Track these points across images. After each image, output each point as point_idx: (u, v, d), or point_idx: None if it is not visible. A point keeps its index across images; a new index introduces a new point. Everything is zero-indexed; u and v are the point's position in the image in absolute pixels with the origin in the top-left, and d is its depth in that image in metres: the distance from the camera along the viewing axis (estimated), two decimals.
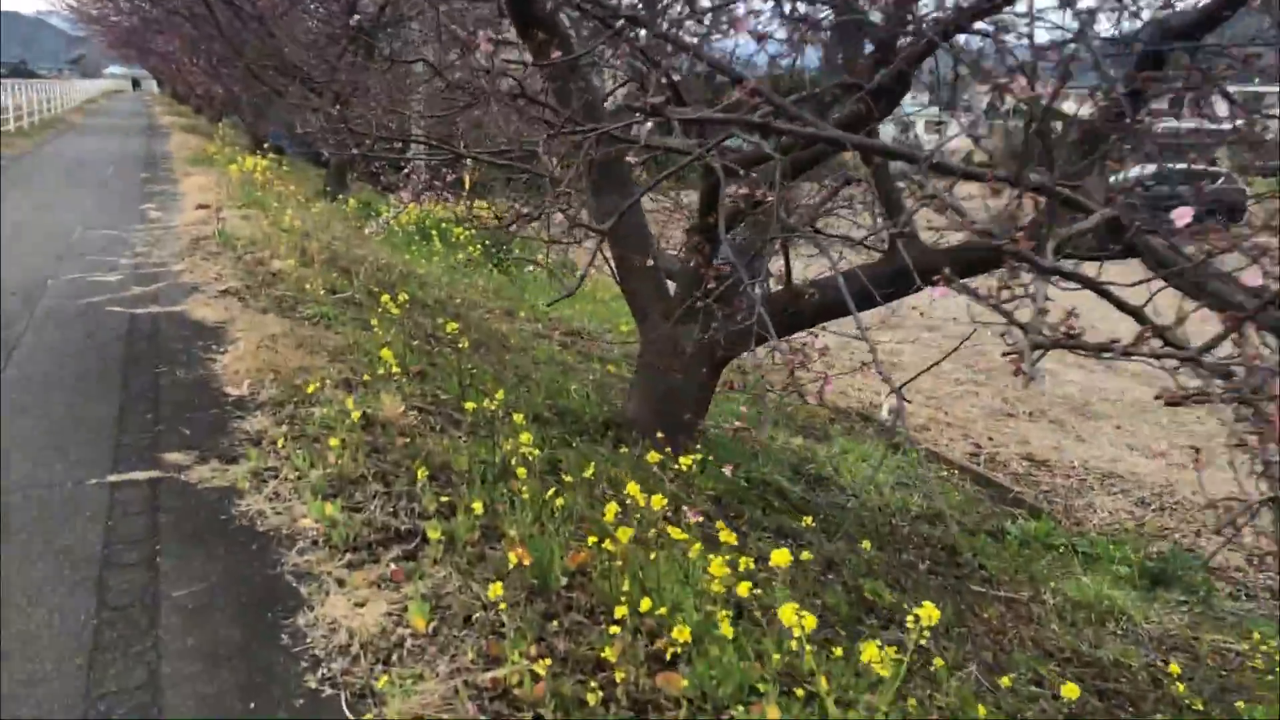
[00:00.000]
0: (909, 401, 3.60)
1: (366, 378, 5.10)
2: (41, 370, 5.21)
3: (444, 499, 3.64)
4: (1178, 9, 3.21)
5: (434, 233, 14.85)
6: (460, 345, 5.88)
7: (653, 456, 5.13)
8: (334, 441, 3.80)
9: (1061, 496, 8.44)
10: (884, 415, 10.45)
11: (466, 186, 11.65)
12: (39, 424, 4.41)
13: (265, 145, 27.00)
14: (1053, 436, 10.73)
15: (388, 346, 5.61)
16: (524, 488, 3.69)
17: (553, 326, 11.71)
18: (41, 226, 10.06)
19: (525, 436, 3.99)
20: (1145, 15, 3.15)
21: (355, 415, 4.09)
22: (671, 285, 6.11)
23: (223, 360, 5.39)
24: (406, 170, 9.67)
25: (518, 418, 4.31)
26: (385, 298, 5.95)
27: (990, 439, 10.46)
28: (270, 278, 7.50)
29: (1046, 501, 8.22)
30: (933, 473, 8.47)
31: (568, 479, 4.05)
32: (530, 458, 3.92)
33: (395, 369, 4.98)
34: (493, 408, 4.96)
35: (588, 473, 4.48)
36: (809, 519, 5.26)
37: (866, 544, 5.02)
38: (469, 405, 5.03)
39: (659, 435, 5.86)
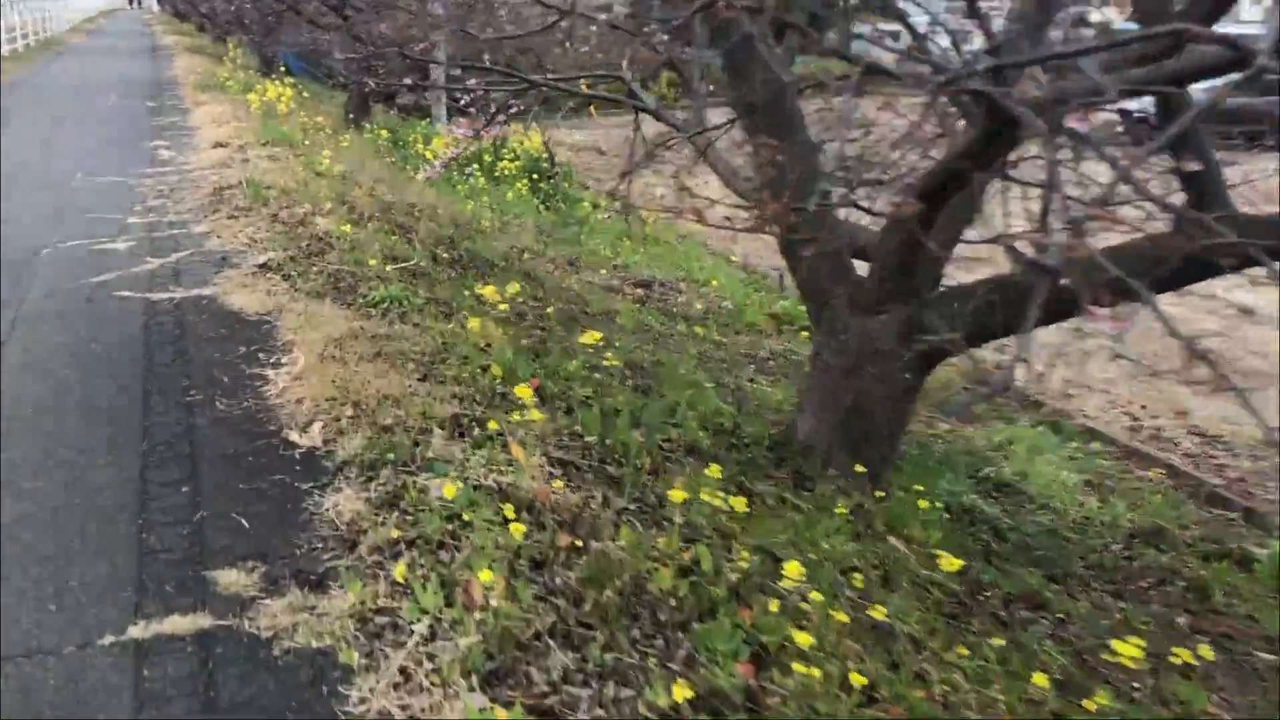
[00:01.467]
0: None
1: (480, 411, 3.66)
2: (30, 401, 3.79)
3: (662, 664, 2.25)
4: None
5: (476, 167, 13.25)
6: (608, 361, 4.44)
7: (840, 509, 3.82)
8: (484, 574, 2.38)
9: (1272, 488, 7.00)
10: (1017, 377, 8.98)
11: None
12: (24, 512, 2.99)
13: (281, 68, 25.20)
14: (1212, 402, 9.27)
15: (493, 357, 4.18)
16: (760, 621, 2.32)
17: (620, 276, 10.22)
18: (35, 172, 8.54)
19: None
20: None
21: (507, 511, 2.67)
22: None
23: (277, 381, 3.95)
24: (465, 101, 8.06)
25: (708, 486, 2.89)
26: (488, 290, 4.46)
27: (1143, 407, 9.01)
28: (316, 243, 6.01)
29: (1264, 498, 6.79)
30: (1113, 467, 7.05)
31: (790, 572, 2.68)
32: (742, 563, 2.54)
33: (522, 395, 3.53)
34: (640, 443, 3.56)
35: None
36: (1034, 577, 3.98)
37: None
38: (618, 442, 3.62)
39: (847, 462, 4.48)
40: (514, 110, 7.84)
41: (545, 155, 13.88)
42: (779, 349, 8.46)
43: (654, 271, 10.74)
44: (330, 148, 10.33)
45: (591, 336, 4.44)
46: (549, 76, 7.10)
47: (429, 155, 12.59)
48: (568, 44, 7.81)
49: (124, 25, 43.89)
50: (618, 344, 5.61)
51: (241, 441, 3.44)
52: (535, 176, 13.46)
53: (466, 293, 5.41)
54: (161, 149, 9.78)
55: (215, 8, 28.06)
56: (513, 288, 4.45)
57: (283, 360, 4.17)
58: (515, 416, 3.55)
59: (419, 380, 3.97)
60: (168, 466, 3.26)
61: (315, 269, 5.47)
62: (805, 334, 8.52)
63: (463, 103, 8.07)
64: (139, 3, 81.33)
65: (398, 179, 9.73)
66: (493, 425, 3.42)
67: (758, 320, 9.25)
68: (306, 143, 9.94)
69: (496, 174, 12.99)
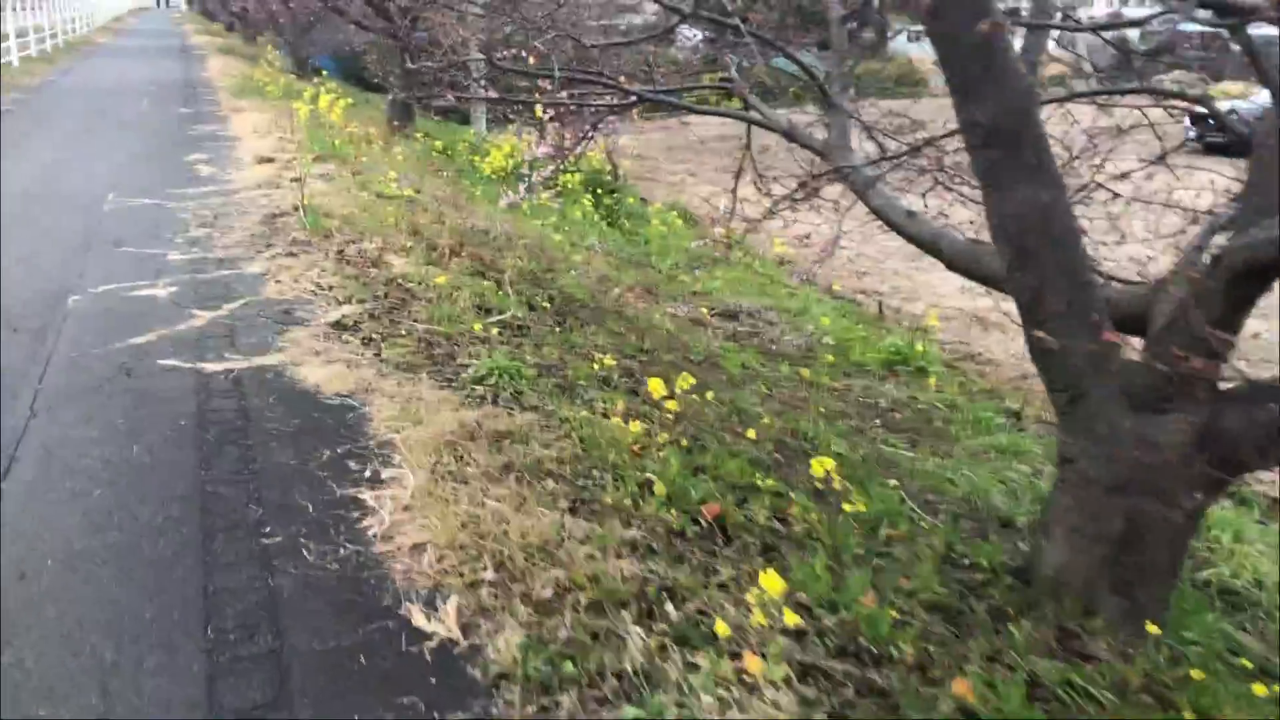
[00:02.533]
0: None
1: (668, 571, 2.62)
2: (46, 549, 2.77)
3: None
4: None
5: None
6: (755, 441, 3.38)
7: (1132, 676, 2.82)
8: None
9: None
10: None
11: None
12: None
13: (319, 71, 24.33)
14: None
15: (653, 471, 3.16)
16: None
17: (703, 305, 9.21)
18: (63, 191, 7.58)
19: None
20: None
21: None
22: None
23: (380, 510, 2.93)
24: (551, 115, 7.05)
25: None
26: (655, 385, 3.40)
27: None
28: (395, 291, 5.00)
29: None
30: None
31: None
32: None
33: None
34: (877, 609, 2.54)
35: None
36: None
37: None
38: (857, 616, 2.60)
39: (1116, 607, 3.43)
40: (608, 123, 6.86)
41: (608, 168, 12.85)
42: (900, 397, 7.37)
43: (737, 298, 9.72)
44: (385, 161, 9.34)
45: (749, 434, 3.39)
46: (656, 87, 6.10)
47: (486, 169, 11.59)
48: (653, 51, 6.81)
49: (153, 25, 43.31)
50: (763, 418, 4.56)
51: (346, 625, 2.41)
52: (599, 191, 12.43)
53: (588, 365, 4.37)
54: (200, 164, 8.81)
55: (247, 7, 27.28)
56: (684, 380, 3.40)
57: (383, 474, 3.14)
58: (725, 578, 2.51)
59: (569, 512, 2.93)
60: (244, 675, 2.24)
61: (400, 329, 4.45)
62: (932, 380, 7.49)
63: (549, 116, 7.06)
64: (167, 2, 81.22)
65: (462, 199, 8.73)
66: (673, 576, 2.38)
67: (866, 359, 8.17)
68: (358, 156, 8.96)
69: (558, 188, 11.97)
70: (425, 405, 3.62)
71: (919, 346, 8.16)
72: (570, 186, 12.33)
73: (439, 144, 14.15)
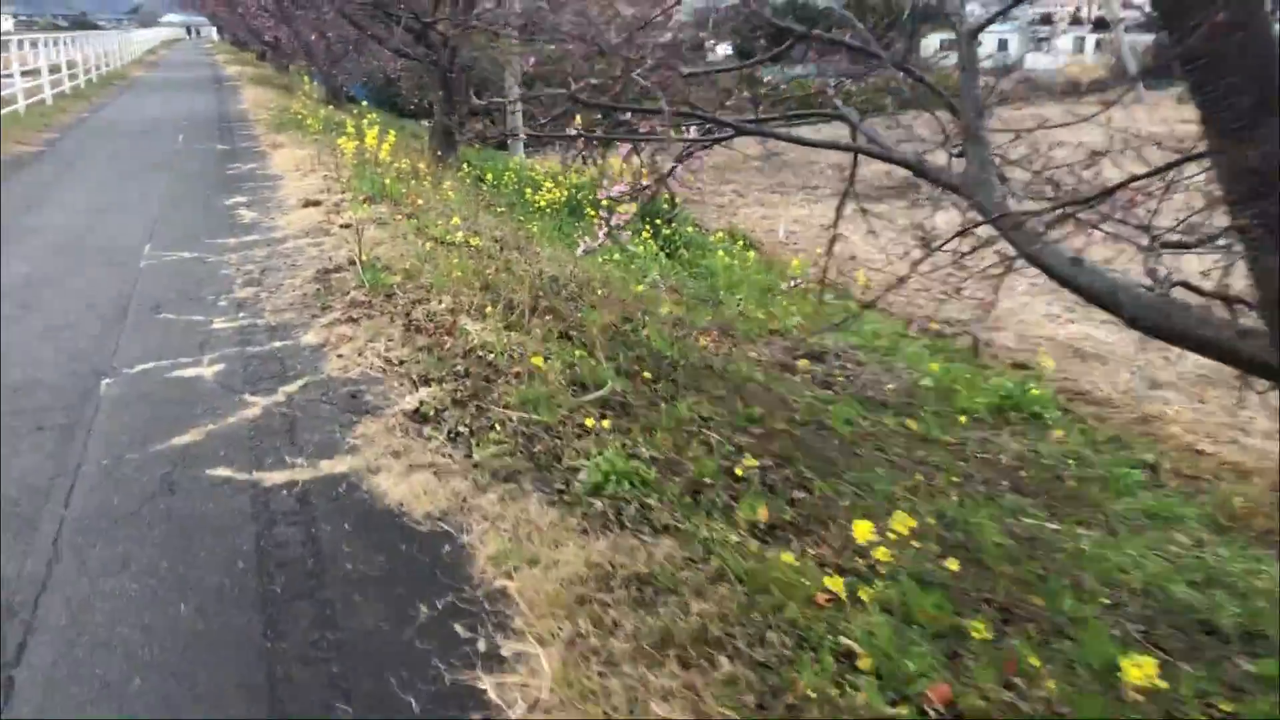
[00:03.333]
0: None
1: None
2: None
3: None
4: None
5: (584, 205, 11.53)
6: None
7: None
8: None
9: None
10: None
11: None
12: None
13: (353, 99, 23.88)
14: None
15: (857, 639, 2.41)
16: None
17: (785, 345, 8.49)
18: (95, 242, 6.97)
19: None
20: None
21: None
22: None
23: (504, 704, 2.19)
24: (627, 151, 6.34)
25: None
26: (861, 531, 2.62)
27: None
28: (476, 364, 4.28)
29: None
30: None
31: None
32: None
33: None
34: None
35: None
36: None
37: None
38: None
39: None
40: (693, 157, 6.17)
41: (665, 195, 12.13)
42: (1020, 450, 6.54)
43: (818, 336, 8.95)
44: (436, 198, 8.69)
45: (901, 521, 2.60)
46: (758, 117, 5.42)
47: (541, 202, 10.91)
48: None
49: (186, 56, 43.38)
50: (929, 515, 3.78)
51: None
52: (656, 220, 11.72)
53: (709, 456, 3.63)
54: (241, 208, 8.19)
55: (279, 36, 26.94)
56: (900, 521, 2.60)
57: (502, 647, 2.41)
58: None
59: (758, 708, 2.18)
60: None
61: (490, 417, 3.72)
62: (1058, 430, 6.70)
63: (627, 151, 6.34)
64: (198, 32, 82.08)
65: (522, 238, 8.04)
66: None
67: (974, 404, 7.34)
68: (409, 195, 8.29)
69: (636, 230, 11.27)
70: (539, 533, 2.89)
71: (1031, 389, 7.36)
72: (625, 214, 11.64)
73: (484, 174, 13.53)
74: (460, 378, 4.11)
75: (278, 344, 4.73)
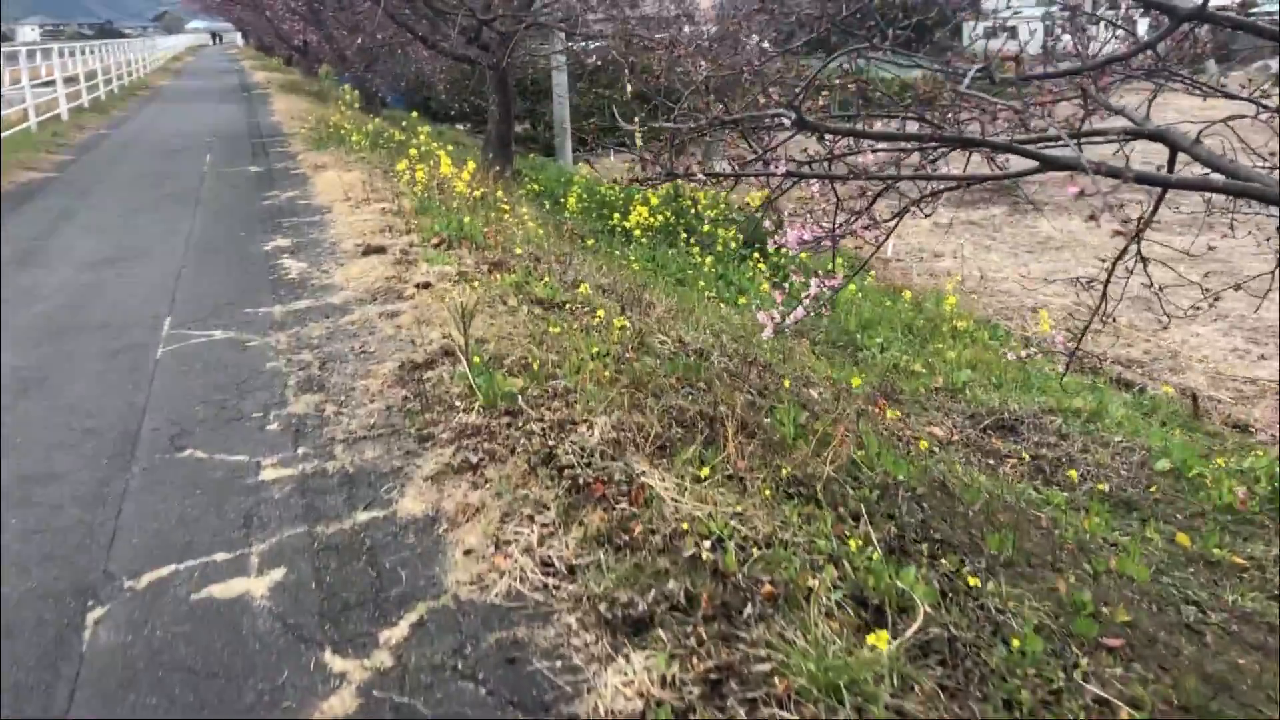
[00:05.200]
0: None
1: None
2: None
3: None
4: None
5: (681, 228, 9.77)
6: None
7: None
8: None
9: None
10: None
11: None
12: None
13: (385, 103, 22.38)
14: None
15: None
16: None
17: (960, 409, 6.78)
18: (98, 319, 5.32)
19: None
20: None
21: None
22: None
23: None
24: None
25: None
26: None
27: None
28: (695, 577, 2.57)
29: None
30: None
31: None
32: None
33: None
34: None
35: None
36: None
37: None
38: None
39: None
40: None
41: (773, 219, 10.38)
42: None
43: (989, 392, 7.22)
44: (520, 233, 7.00)
45: None
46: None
47: (634, 228, 9.16)
48: None
49: (210, 63, 42.10)
50: None
51: None
52: (762, 248, 9.94)
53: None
54: (284, 255, 6.53)
55: (308, 40, 25.40)
56: None
57: None
58: None
59: None
60: None
61: (758, 700, 2.01)
62: None
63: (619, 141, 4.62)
64: (221, 38, 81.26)
65: (639, 291, 6.32)
66: None
67: (1229, 495, 5.52)
68: (489, 233, 6.61)
69: (719, 249, 9.50)
70: None
71: None
72: (725, 242, 9.87)
73: (545, 187, 11.84)
74: (682, 615, 2.40)
75: (362, 516, 3.03)
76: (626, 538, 2.76)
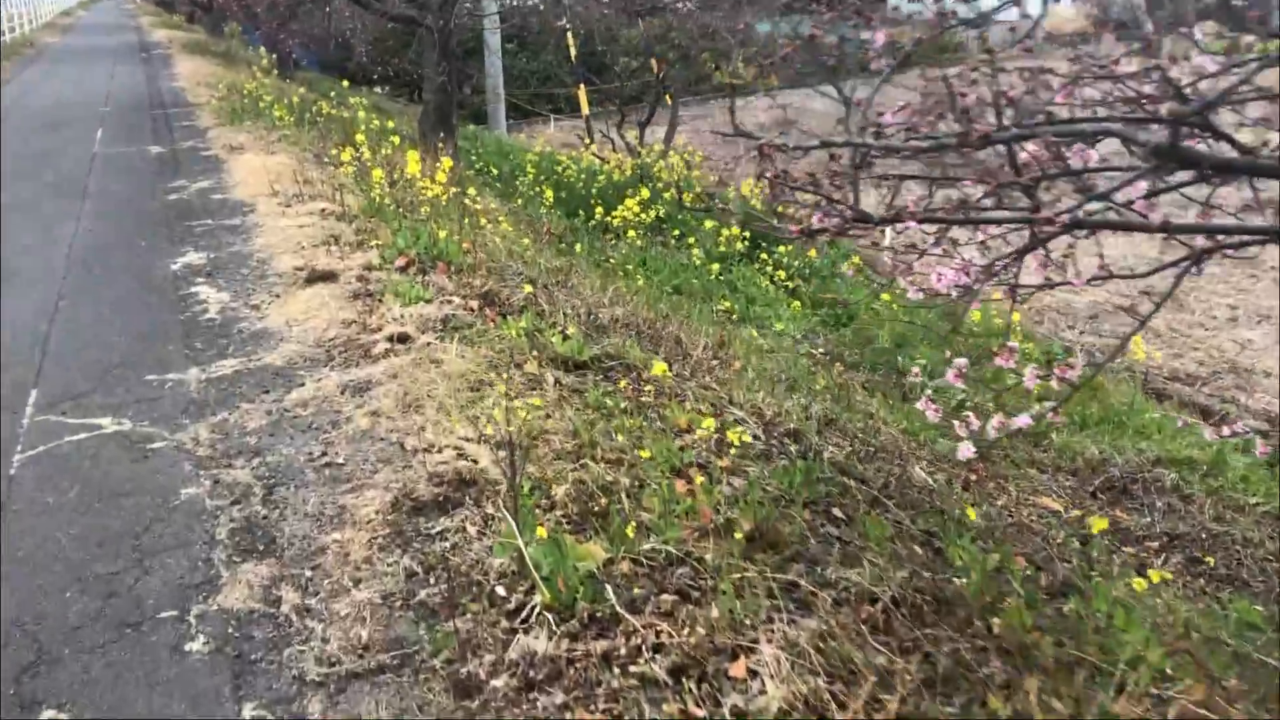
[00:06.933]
0: None
1: None
2: None
3: None
4: None
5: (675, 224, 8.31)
6: None
7: None
8: None
9: None
10: None
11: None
12: None
13: (299, 65, 20.51)
14: None
15: None
16: None
17: (1086, 480, 5.57)
18: None
19: None
20: None
21: None
22: None
23: None
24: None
25: None
26: None
27: None
28: None
29: None
30: None
31: None
32: None
33: None
34: None
35: None
36: None
37: None
38: None
39: None
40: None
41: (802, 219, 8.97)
42: None
43: (1082, 437, 5.99)
44: (496, 238, 5.50)
45: None
46: None
47: (627, 230, 7.67)
48: None
49: (105, 18, 38.76)
50: None
51: None
52: (765, 242, 8.51)
53: None
54: (200, 282, 4.92)
55: None
56: None
57: None
58: None
59: None
60: None
61: None
62: None
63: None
64: None
65: (681, 325, 4.89)
66: None
67: None
68: (466, 245, 5.10)
69: (722, 246, 8.04)
70: None
71: None
72: (728, 240, 8.44)
73: (486, 164, 10.24)
74: None
75: None
76: None
